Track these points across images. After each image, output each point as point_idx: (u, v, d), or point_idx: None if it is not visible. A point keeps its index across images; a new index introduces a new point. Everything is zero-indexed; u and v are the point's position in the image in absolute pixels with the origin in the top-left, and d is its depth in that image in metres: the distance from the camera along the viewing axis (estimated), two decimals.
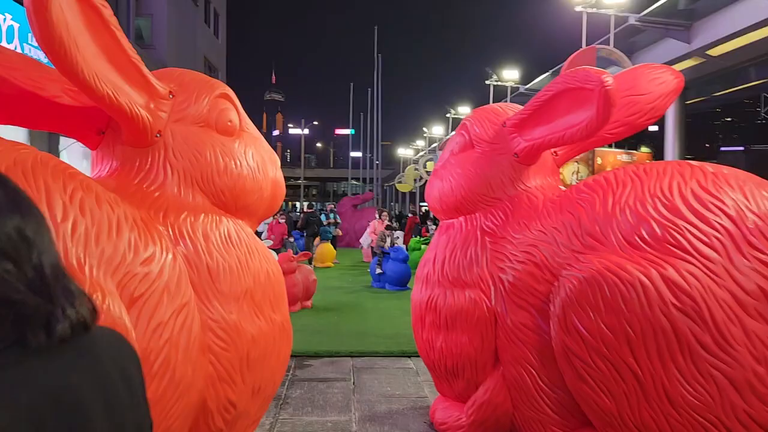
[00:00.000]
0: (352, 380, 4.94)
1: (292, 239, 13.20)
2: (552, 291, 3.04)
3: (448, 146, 4.08)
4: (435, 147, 23.14)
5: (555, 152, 3.83)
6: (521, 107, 3.74)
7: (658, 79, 3.57)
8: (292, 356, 5.86)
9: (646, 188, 2.92)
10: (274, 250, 12.26)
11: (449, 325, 3.57)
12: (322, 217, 18.29)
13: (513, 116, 3.60)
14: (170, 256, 2.42)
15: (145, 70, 2.58)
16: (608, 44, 13.00)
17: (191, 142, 2.77)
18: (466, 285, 3.51)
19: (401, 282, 10.82)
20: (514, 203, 3.56)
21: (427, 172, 21.04)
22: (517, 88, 12.56)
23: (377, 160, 40.59)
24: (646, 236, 2.77)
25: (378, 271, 11.05)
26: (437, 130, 23.26)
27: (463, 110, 18.29)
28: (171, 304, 2.33)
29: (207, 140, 2.82)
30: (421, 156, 23.92)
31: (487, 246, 3.52)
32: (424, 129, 25.37)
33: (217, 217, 2.78)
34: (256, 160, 3.02)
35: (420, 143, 29.68)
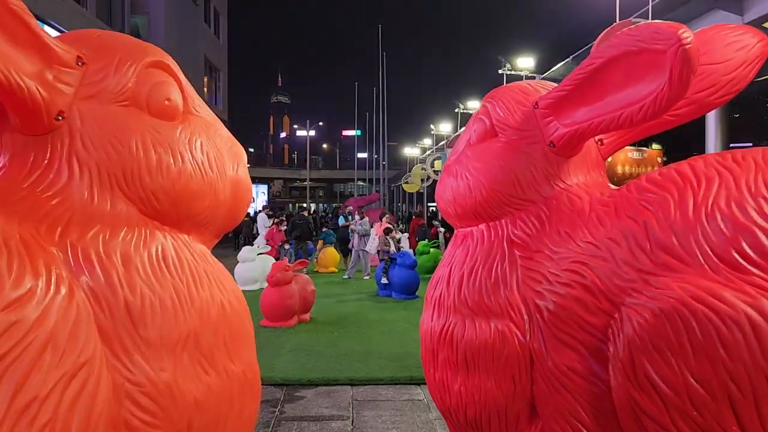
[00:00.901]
0: (351, 418, 4.15)
1: (288, 246, 12.36)
2: (611, 326, 2.24)
3: (463, 136, 3.28)
4: (443, 145, 22.17)
5: (600, 140, 3.03)
6: (555, 85, 2.95)
7: (737, 42, 2.76)
8: (281, 385, 5.08)
9: (743, 185, 2.12)
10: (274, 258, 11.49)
11: (470, 364, 2.77)
12: (340, 219, 16.97)
13: (547, 95, 2.80)
14: (63, 292, 1.63)
15: (37, 26, 1.81)
16: (646, 19, 11.88)
17: (109, 126, 1.99)
18: (490, 313, 2.71)
19: (409, 290, 10.02)
20: (551, 206, 2.76)
21: (434, 171, 20.13)
22: (533, 78, 11.46)
23: (383, 160, 39.76)
24: (749, 252, 1.96)
25: (384, 280, 10.23)
26: (445, 127, 22.21)
27: (473, 105, 17.23)
28: (58, 365, 1.55)
29: (133, 125, 2.03)
30: (429, 155, 22.96)
31: (518, 262, 2.72)
32: (432, 126, 24.28)
33: (148, 232, 2.00)
34: (206, 152, 2.23)
35: (427, 142, 28.54)
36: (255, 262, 11.01)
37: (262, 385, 4.93)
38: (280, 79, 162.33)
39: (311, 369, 5.35)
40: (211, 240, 2.42)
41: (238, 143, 2.56)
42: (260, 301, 7.33)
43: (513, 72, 11.63)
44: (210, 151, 2.26)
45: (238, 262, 11.20)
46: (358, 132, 50.74)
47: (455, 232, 3.25)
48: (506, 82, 11.94)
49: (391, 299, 9.95)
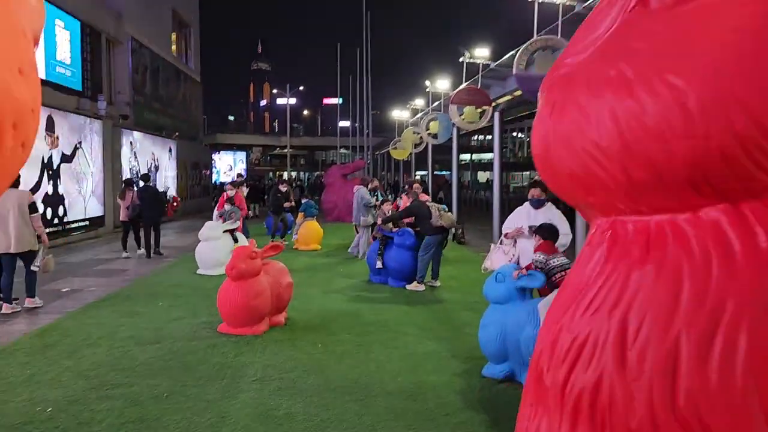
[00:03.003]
0: None
1: (248, 212, 10.34)
2: None
3: (611, 2, 1.45)
4: (440, 104, 19.85)
5: None
6: None
7: None
8: None
9: None
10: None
11: None
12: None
13: None
14: None
15: None
16: None
17: None
18: None
19: (408, 276, 8.21)
20: None
21: (429, 134, 17.90)
22: (573, 8, 9.01)
23: (367, 128, 37.59)
24: None
25: (378, 264, 8.39)
26: (443, 84, 19.71)
27: (482, 53, 14.89)
28: None
29: None
30: (422, 117, 20.67)
31: None
32: (427, 82, 21.65)
33: None
34: None
35: (419, 102, 25.92)
36: (220, 241, 9.09)
37: None
38: (260, 46, 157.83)
39: (284, 419, 3.51)
40: None
41: None
42: (217, 299, 5.46)
43: (547, 0, 9.27)
44: None
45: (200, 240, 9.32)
46: (341, 99, 48.37)
47: (598, 223, 1.43)
48: (537, 15, 9.60)
49: (386, 287, 8.12)
